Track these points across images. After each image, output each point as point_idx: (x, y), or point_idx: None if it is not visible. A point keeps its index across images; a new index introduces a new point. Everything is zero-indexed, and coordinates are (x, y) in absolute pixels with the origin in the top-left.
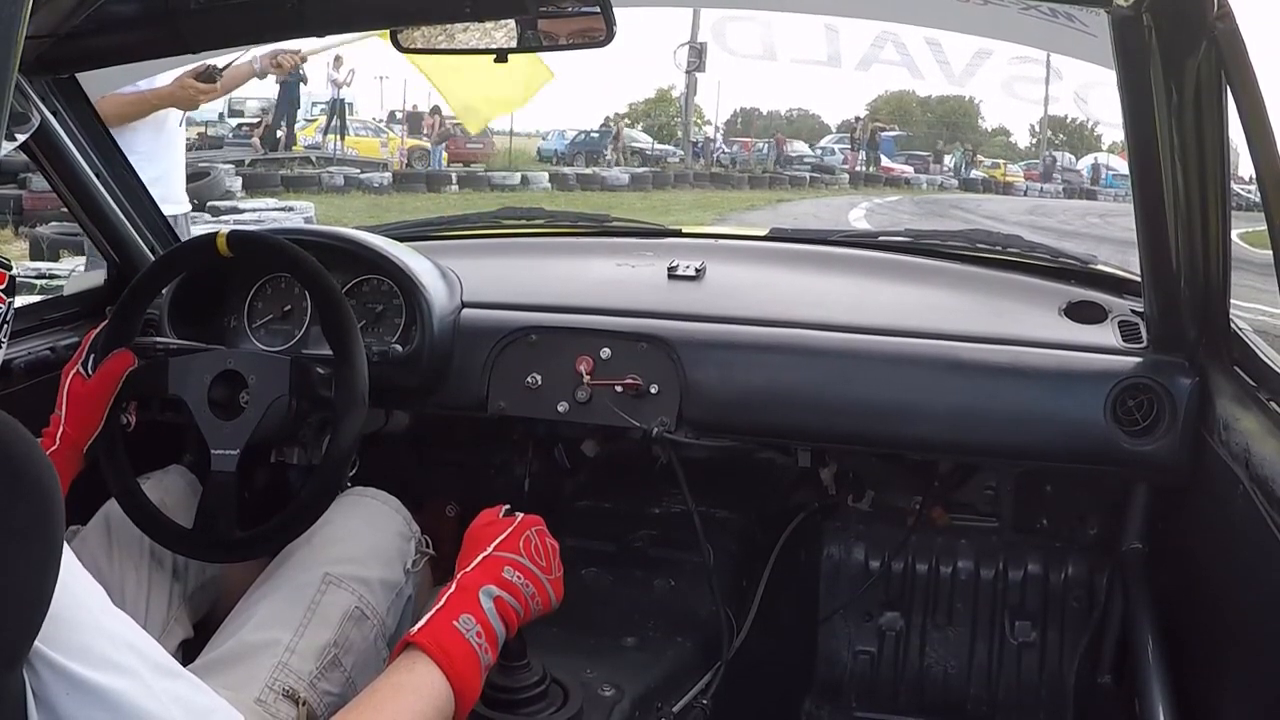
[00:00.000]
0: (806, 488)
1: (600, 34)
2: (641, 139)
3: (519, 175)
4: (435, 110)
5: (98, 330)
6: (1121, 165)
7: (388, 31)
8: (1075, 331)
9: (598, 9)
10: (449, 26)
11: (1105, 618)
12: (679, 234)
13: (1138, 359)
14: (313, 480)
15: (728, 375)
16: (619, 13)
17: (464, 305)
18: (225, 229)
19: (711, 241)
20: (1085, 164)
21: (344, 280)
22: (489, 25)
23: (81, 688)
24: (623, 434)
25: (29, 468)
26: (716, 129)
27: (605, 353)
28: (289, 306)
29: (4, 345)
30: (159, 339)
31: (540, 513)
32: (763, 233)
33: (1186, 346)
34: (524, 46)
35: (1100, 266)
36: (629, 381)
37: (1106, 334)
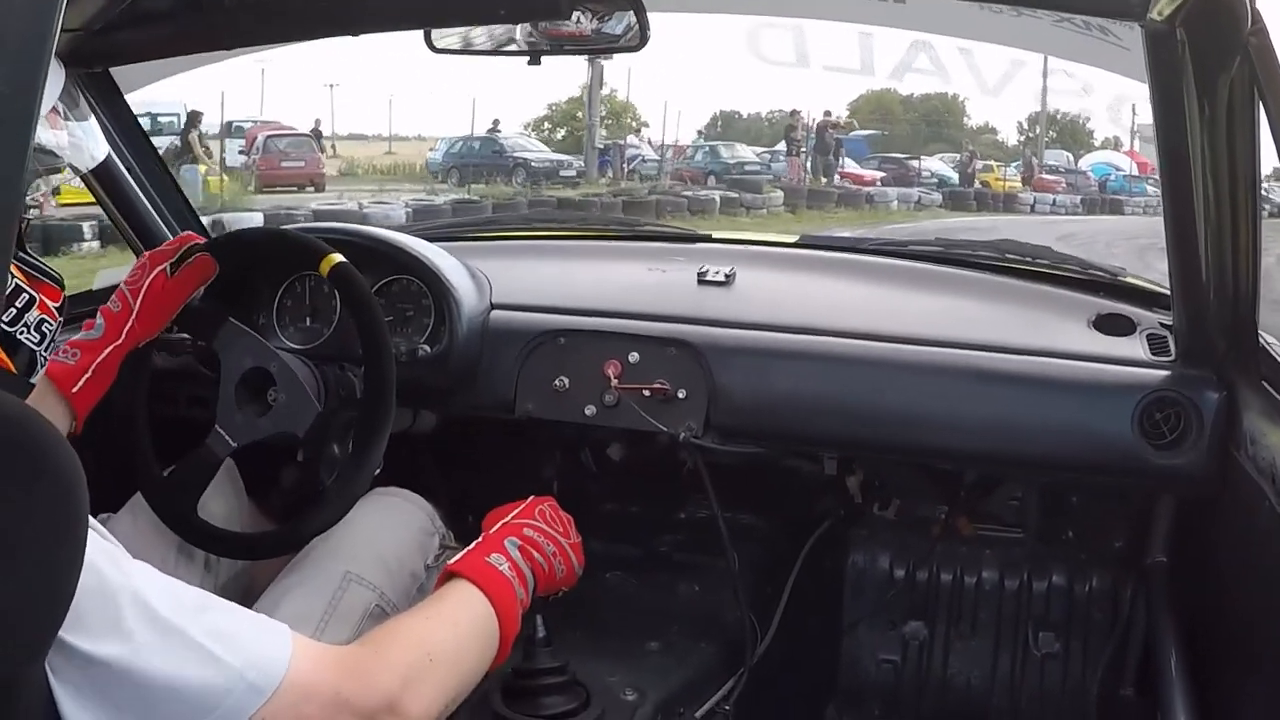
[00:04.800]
0: (832, 495)
1: (634, 37)
2: (534, 147)
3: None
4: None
5: (194, 238)
6: (1124, 162)
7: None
8: (1104, 344)
9: (631, 11)
10: (482, 27)
11: (1129, 630)
12: (709, 239)
13: (1166, 372)
14: (338, 480)
15: (756, 381)
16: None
17: (493, 307)
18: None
19: (741, 247)
20: (1089, 164)
21: (374, 279)
22: (522, 27)
23: (92, 662)
24: (649, 438)
25: (52, 461)
26: (640, 130)
27: (634, 357)
28: (318, 305)
29: (46, 361)
30: (186, 335)
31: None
32: (793, 239)
33: (1214, 360)
34: (557, 49)
35: (1130, 279)
36: (657, 386)
37: (1135, 347)
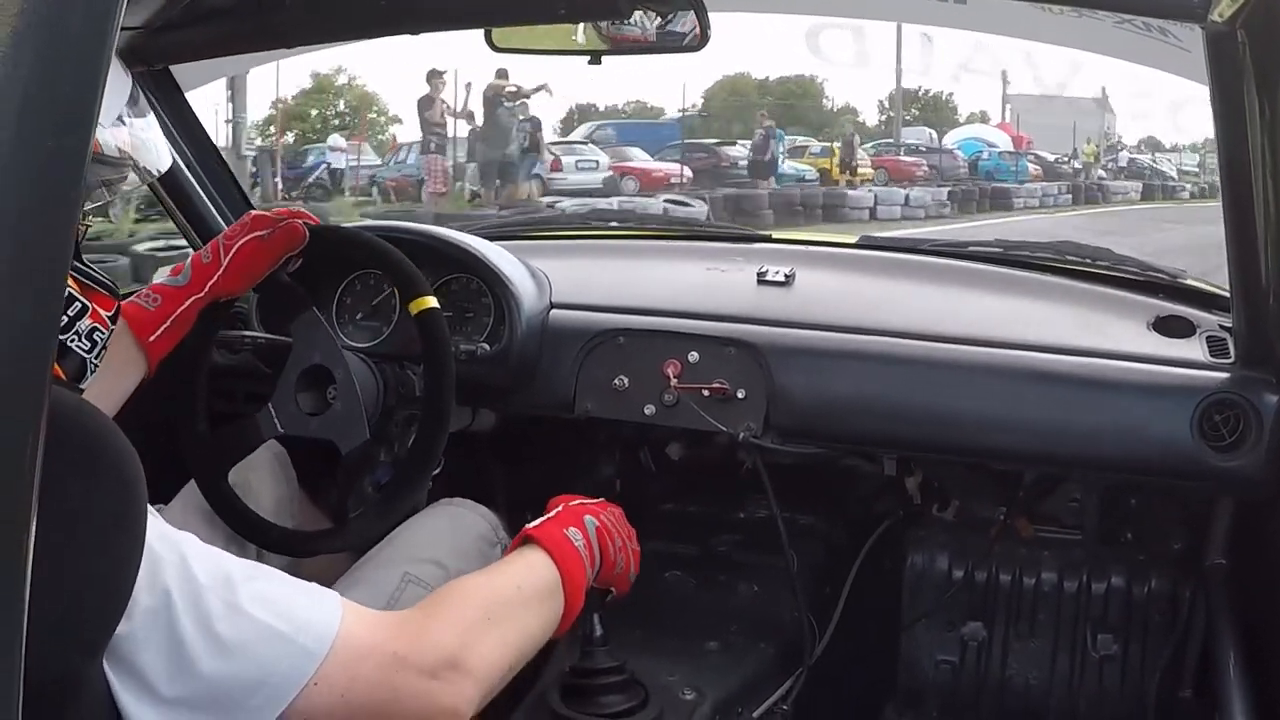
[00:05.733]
0: (891, 496)
1: (695, 38)
2: None
3: None
4: None
5: (307, 215)
6: (997, 137)
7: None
8: (1163, 346)
9: (691, 11)
10: (543, 26)
11: (1188, 632)
12: (769, 239)
13: (1225, 374)
14: (397, 478)
15: (816, 382)
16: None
17: (552, 306)
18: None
19: (801, 248)
20: (956, 140)
21: (433, 278)
22: (584, 26)
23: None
24: (709, 438)
25: (110, 456)
26: None
27: (693, 356)
28: (378, 303)
29: (96, 369)
30: (246, 333)
31: (625, 515)
32: (853, 239)
33: (1274, 363)
34: (617, 49)
35: (1190, 281)
36: (716, 386)
37: (1194, 349)
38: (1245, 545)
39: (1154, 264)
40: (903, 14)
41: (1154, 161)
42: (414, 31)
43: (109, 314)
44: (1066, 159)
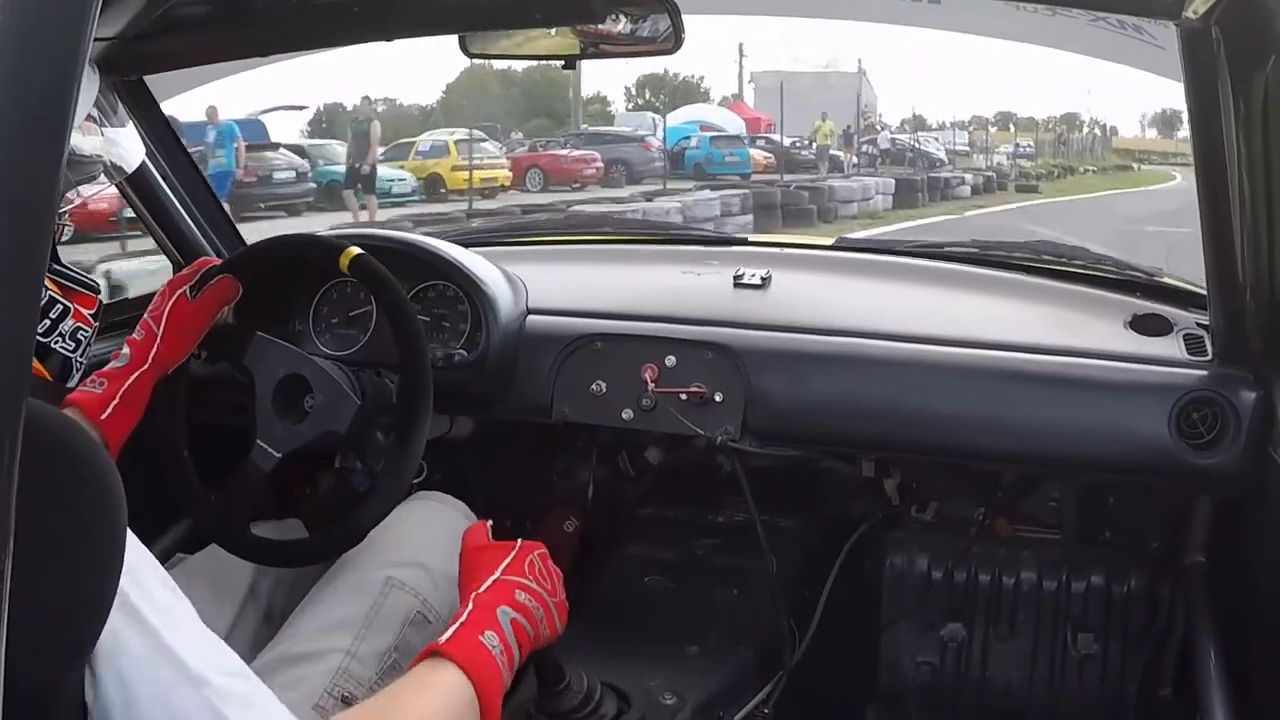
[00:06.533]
0: (870, 498)
1: (668, 40)
2: None
3: None
4: None
5: (211, 261)
6: (724, 118)
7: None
8: (1140, 344)
9: (666, 16)
10: (517, 32)
11: (1167, 631)
12: (744, 242)
13: (1203, 372)
14: (376, 487)
15: (793, 384)
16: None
17: (529, 311)
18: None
19: (777, 250)
20: (678, 123)
21: (409, 285)
22: (556, 31)
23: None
24: (687, 442)
25: (92, 469)
26: None
27: (670, 360)
28: (353, 311)
29: (82, 368)
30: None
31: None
32: (829, 241)
33: (1251, 360)
34: (592, 52)
35: (1166, 279)
36: (694, 390)
37: (1172, 346)
38: (1224, 543)
39: (1131, 262)
40: (876, 14)
41: (917, 142)
42: (387, 38)
43: (90, 313)
44: (806, 142)
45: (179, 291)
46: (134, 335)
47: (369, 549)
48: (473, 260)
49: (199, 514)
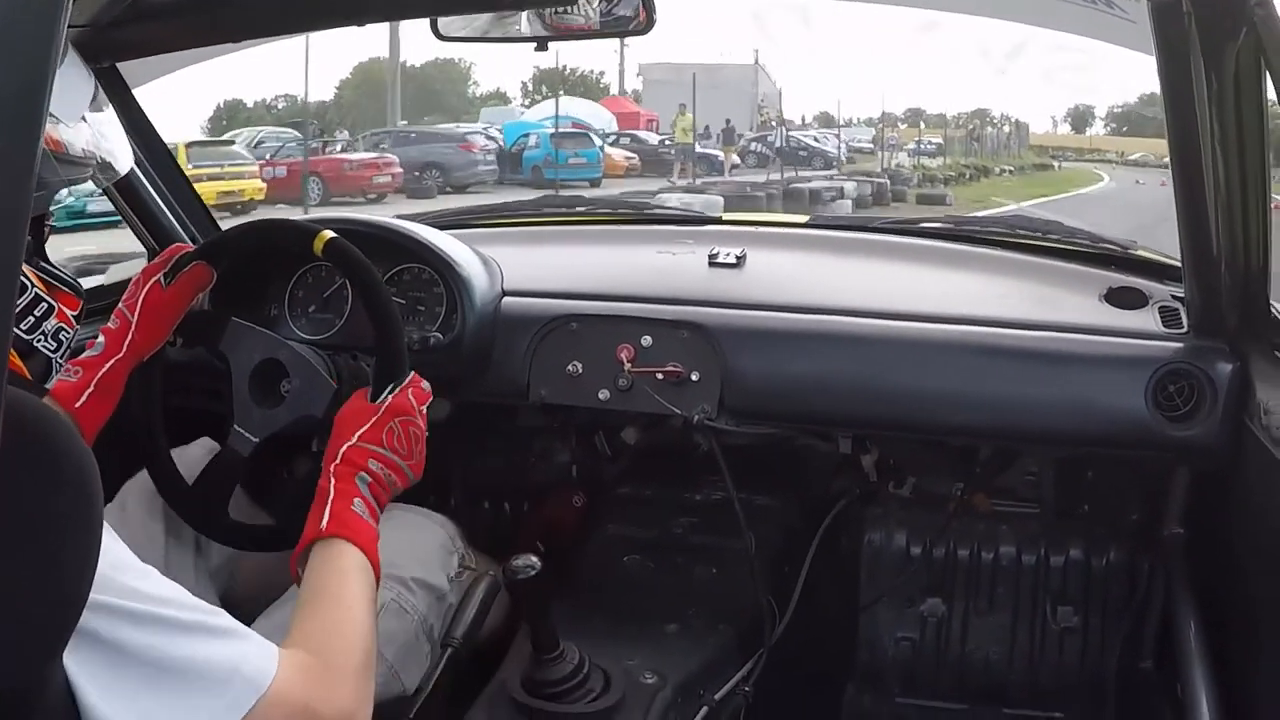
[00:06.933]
0: (847, 474)
1: (640, 22)
2: None
3: None
4: None
5: (184, 247)
6: (590, 112)
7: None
8: (1116, 317)
9: None
10: (490, 14)
11: (1147, 603)
12: (719, 221)
13: (1178, 344)
14: None
15: (769, 362)
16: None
17: (505, 293)
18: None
19: (752, 229)
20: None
21: (384, 268)
22: (529, 13)
23: (121, 655)
24: (664, 421)
25: (69, 458)
26: None
27: (646, 340)
28: (329, 296)
29: (62, 368)
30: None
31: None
32: (803, 219)
33: (1227, 332)
34: (564, 35)
35: (1141, 252)
36: (670, 369)
37: (1147, 319)
38: (1202, 514)
39: (1105, 236)
40: None
41: (817, 140)
42: (360, 23)
43: (74, 313)
44: (669, 142)
45: (153, 279)
46: (109, 324)
47: None
48: (447, 242)
49: (176, 500)
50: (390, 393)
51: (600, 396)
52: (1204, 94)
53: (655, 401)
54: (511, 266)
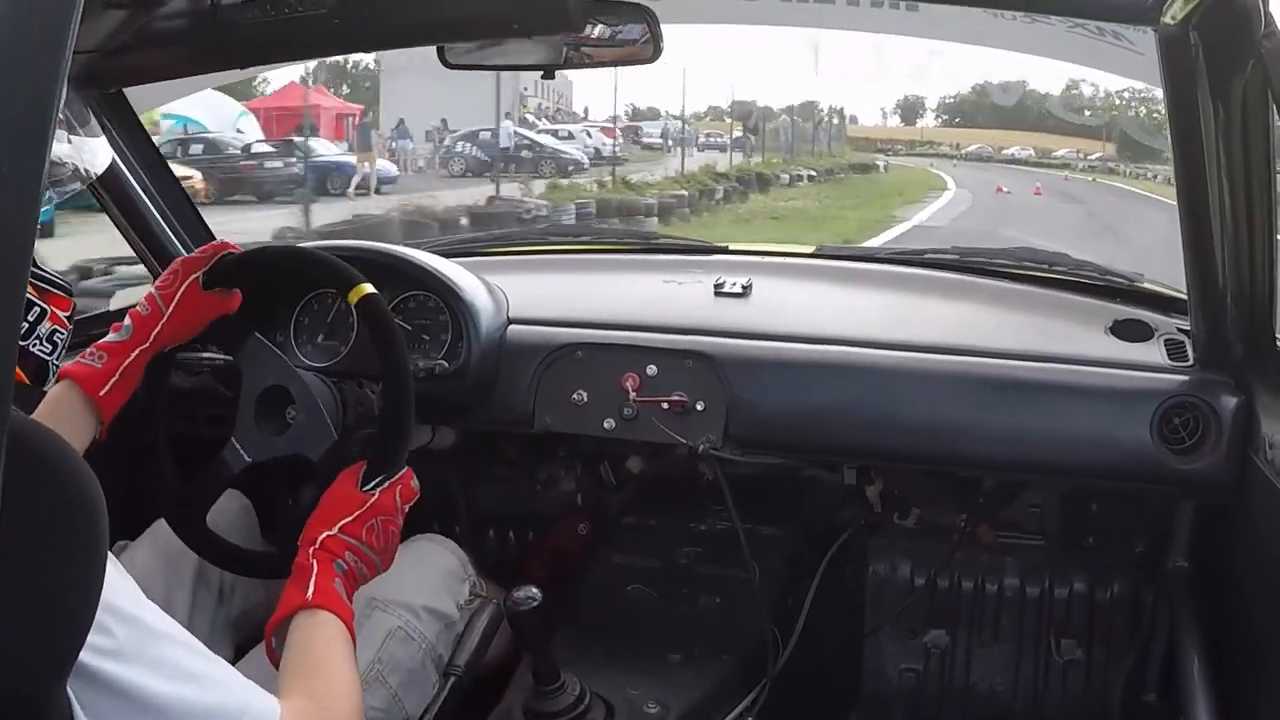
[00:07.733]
0: (852, 505)
1: (647, 50)
2: None
3: None
4: None
5: (229, 246)
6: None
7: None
8: (1122, 350)
9: (645, 25)
10: (496, 42)
11: (1151, 636)
12: (725, 250)
13: (1184, 377)
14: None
15: (774, 393)
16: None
17: (510, 321)
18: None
19: (758, 259)
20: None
21: (390, 296)
22: (535, 41)
23: (127, 693)
24: (669, 451)
25: (73, 482)
26: None
27: (651, 370)
28: (335, 323)
29: (57, 369)
30: (204, 354)
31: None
32: (810, 250)
33: (1232, 364)
34: (570, 63)
35: (1147, 285)
36: (675, 398)
37: (1153, 352)
38: (1206, 547)
39: (1111, 268)
40: (857, 23)
41: (559, 136)
42: (367, 50)
43: (66, 314)
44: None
45: (194, 275)
46: (138, 309)
47: None
48: (454, 271)
49: (163, 498)
50: (380, 485)
51: (605, 425)
52: (1211, 125)
53: (660, 431)
54: (517, 295)
